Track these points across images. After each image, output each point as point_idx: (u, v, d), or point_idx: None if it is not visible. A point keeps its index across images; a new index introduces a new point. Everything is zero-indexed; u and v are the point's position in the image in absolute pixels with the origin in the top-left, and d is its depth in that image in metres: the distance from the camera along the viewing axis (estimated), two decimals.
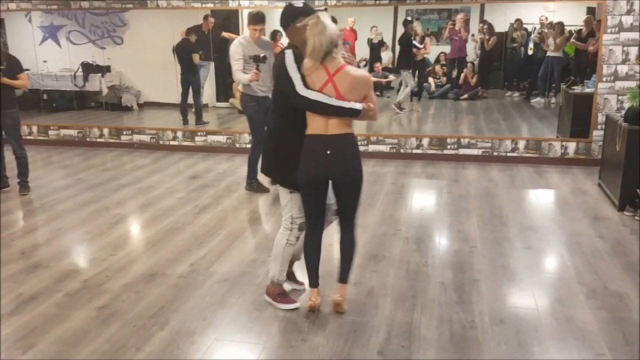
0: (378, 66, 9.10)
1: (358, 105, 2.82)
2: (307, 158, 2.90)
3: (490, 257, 3.87)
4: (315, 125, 2.87)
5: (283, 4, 6.69)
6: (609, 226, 4.44)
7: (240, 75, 5.05)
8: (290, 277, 3.44)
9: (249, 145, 7.20)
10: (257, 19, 5.07)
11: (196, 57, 7.73)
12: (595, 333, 2.91)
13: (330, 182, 2.98)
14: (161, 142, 7.51)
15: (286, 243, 3.15)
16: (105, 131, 7.69)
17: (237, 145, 7.25)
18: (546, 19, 8.29)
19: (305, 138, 2.90)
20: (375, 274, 3.62)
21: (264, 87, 5.13)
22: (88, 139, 7.72)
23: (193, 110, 7.91)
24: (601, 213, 4.75)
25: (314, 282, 3.16)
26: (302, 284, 3.47)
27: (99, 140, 7.70)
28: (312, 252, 3.12)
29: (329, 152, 2.85)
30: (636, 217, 4.58)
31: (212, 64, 8.51)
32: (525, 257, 3.88)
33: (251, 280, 3.56)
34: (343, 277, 3.13)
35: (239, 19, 8.45)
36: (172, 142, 7.48)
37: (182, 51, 7.69)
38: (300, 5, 3.01)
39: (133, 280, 3.57)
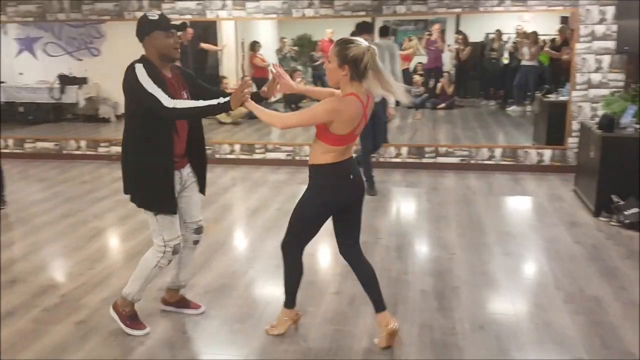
0: None
1: (225, 99, 2.67)
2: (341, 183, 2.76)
3: (470, 264, 3.91)
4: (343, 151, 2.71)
5: (261, 16, 6.78)
6: (585, 231, 4.52)
7: None
8: (183, 303, 3.28)
9: (229, 156, 7.20)
10: (359, 29, 5.30)
11: None
12: (573, 337, 2.96)
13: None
14: None
15: (156, 265, 2.93)
16: (83, 143, 7.61)
17: (217, 156, 7.22)
18: (522, 28, 8.46)
19: (334, 166, 2.70)
20: (357, 282, 3.60)
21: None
22: (65, 152, 7.62)
23: None
24: (577, 219, 4.83)
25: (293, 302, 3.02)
26: (198, 306, 3.29)
27: (76, 152, 7.61)
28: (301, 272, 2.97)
29: (352, 177, 2.77)
30: (612, 223, 4.67)
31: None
32: (504, 263, 3.93)
33: (232, 292, 3.55)
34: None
35: (217, 30, 8.48)
36: None
37: None
38: (156, 17, 2.77)
39: (112, 295, 3.52)
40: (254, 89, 9.90)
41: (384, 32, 6.24)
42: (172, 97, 2.70)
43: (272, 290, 3.59)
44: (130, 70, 2.72)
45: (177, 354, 2.86)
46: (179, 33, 2.86)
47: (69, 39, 8.34)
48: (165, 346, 2.92)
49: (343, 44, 2.57)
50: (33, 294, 3.56)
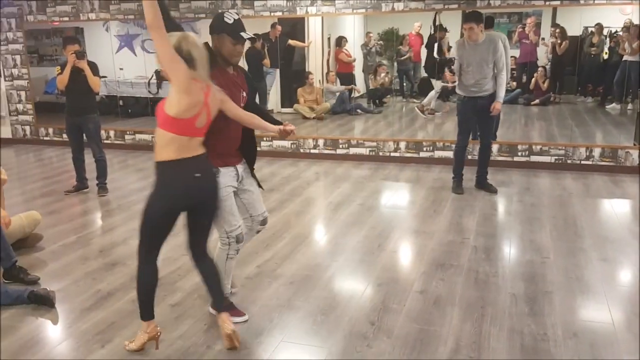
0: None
1: None
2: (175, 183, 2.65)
3: (564, 269, 3.73)
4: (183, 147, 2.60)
5: (350, 11, 6.78)
6: None
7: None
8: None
9: (313, 151, 7.30)
10: (465, 17, 5.18)
11: (267, 62, 7.93)
12: None
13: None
14: None
15: (227, 257, 3.09)
16: None
17: (302, 151, 7.34)
18: (630, 22, 7.92)
19: (176, 163, 2.59)
20: (442, 282, 3.57)
21: (473, 88, 5.24)
22: None
23: None
24: None
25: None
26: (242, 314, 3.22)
27: None
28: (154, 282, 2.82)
29: (197, 175, 2.65)
30: None
31: (277, 71, 8.66)
32: (601, 269, 3.72)
33: (316, 284, 3.60)
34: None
35: (305, 26, 8.57)
36: None
37: (251, 58, 7.88)
38: (230, 21, 2.83)
39: (197, 285, 3.67)
40: (338, 84, 9.89)
41: (491, 23, 6.04)
42: (228, 92, 2.82)
43: (355, 284, 3.61)
44: None
45: (264, 340, 2.94)
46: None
47: None
48: (253, 332, 3.02)
49: None
50: (132, 276, 3.75)
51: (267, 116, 3.14)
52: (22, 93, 8.74)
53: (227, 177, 2.98)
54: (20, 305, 3.35)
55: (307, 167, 6.82)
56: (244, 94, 3.01)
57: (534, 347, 2.82)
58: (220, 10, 7.21)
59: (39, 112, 8.85)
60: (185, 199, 2.69)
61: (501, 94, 5.27)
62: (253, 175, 3.21)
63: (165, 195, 2.66)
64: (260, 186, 3.25)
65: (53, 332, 3.12)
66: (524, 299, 3.33)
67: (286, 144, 7.41)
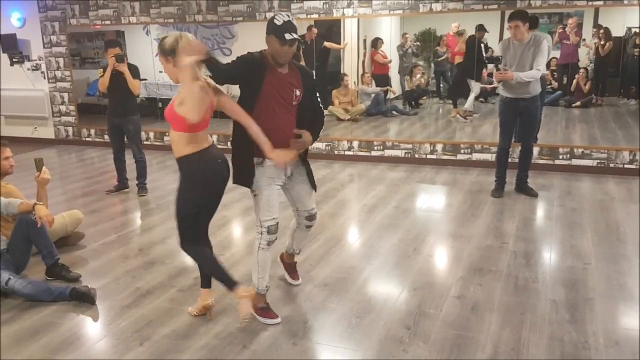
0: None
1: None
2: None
3: (606, 275, 3.62)
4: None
5: (387, 12, 6.75)
6: None
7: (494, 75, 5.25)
8: (290, 268, 3.65)
9: (347, 152, 7.29)
10: (511, 15, 5.08)
11: (303, 64, 7.97)
12: None
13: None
14: None
15: (258, 247, 3.11)
16: (215, 137, 8.10)
17: (336, 152, 7.34)
18: None
19: (200, 153, 2.90)
20: (480, 288, 3.51)
21: (517, 89, 5.10)
22: None
23: None
24: None
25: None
26: (296, 279, 3.64)
27: None
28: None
29: (219, 161, 2.97)
30: None
31: (312, 73, 8.67)
32: None
33: (350, 286, 3.59)
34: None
35: (341, 28, 8.57)
36: None
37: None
38: (279, 23, 2.87)
39: (239, 280, 3.69)
40: (373, 85, 9.92)
41: (535, 23, 5.93)
42: (279, 90, 2.96)
43: (390, 288, 3.59)
44: None
45: (298, 342, 2.95)
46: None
47: (203, 40, 8.85)
48: (288, 334, 3.03)
49: (160, 41, 2.81)
50: (169, 275, 3.85)
51: (316, 120, 3.17)
52: (65, 95, 9.00)
53: (271, 169, 3.03)
54: (62, 302, 3.45)
55: (342, 169, 6.81)
56: (297, 92, 3.04)
57: (574, 355, 2.75)
58: (274, 12, 7.28)
59: (81, 113, 9.10)
60: (216, 182, 2.95)
61: (522, 74, 4.97)
62: (309, 175, 3.25)
63: (197, 184, 2.89)
64: (314, 187, 3.29)
65: (93, 329, 3.20)
66: (564, 305, 3.25)
67: (320, 145, 7.43)
